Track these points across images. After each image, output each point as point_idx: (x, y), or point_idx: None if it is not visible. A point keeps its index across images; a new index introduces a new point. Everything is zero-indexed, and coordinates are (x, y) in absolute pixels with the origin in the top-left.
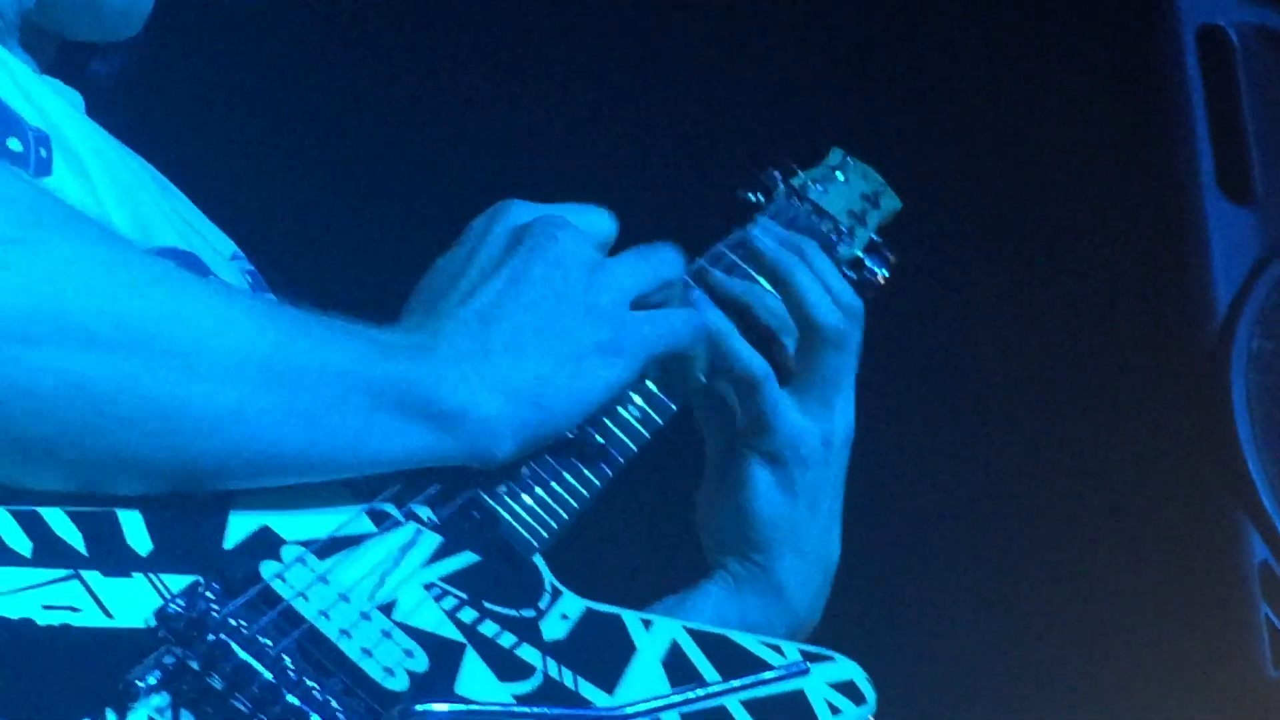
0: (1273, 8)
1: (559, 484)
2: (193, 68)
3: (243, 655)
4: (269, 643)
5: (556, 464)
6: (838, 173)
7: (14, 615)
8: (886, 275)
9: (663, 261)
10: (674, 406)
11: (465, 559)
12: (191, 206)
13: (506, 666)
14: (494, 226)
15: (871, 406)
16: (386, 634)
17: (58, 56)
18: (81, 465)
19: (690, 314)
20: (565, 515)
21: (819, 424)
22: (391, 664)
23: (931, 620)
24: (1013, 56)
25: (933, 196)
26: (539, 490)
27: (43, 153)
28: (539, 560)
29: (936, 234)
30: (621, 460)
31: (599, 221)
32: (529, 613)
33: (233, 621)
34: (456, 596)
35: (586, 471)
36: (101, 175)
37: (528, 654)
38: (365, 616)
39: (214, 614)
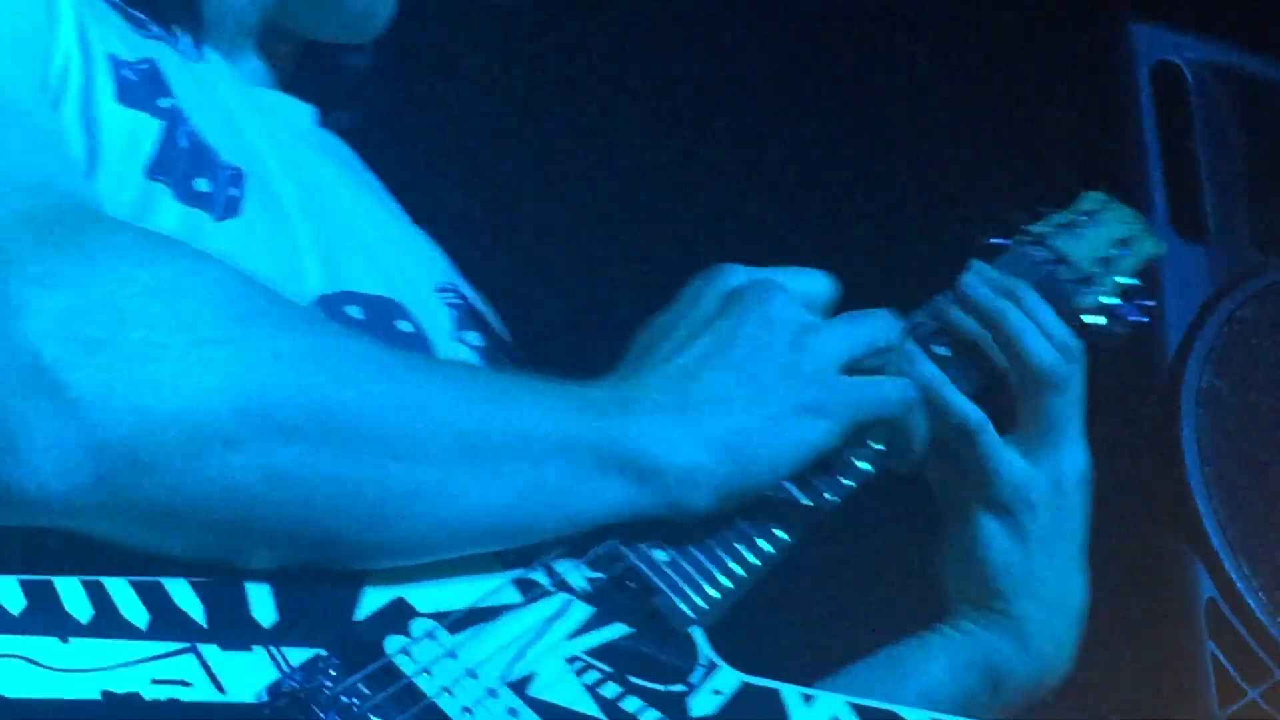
0: (1227, 45)
1: (728, 552)
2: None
3: None
4: None
5: (734, 530)
6: (1088, 217)
7: (121, 690)
8: (1141, 320)
9: (876, 327)
10: (864, 472)
11: (615, 630)
12: (406, 229)
13: None
14: (708, 288)
15: None
16: (513, 712)
17: (299, 61)
18: (296, 546)
19: (901, 383)
20: (732, 585)
21: (1045, 468)
22: None
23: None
24: (968, 93)
25: (886, 228)
26: (703, 558)
27: (233, 192)
28: (697, 633)
29: (887, 262)
30: (803, 529)
31: (815, 285)
32: (679, 688)
33: (345, 699)
34: (601, 670)
35: (761, 539)
36: (298, 214)
37: None
38: (492, 693)
39: (326, 690)
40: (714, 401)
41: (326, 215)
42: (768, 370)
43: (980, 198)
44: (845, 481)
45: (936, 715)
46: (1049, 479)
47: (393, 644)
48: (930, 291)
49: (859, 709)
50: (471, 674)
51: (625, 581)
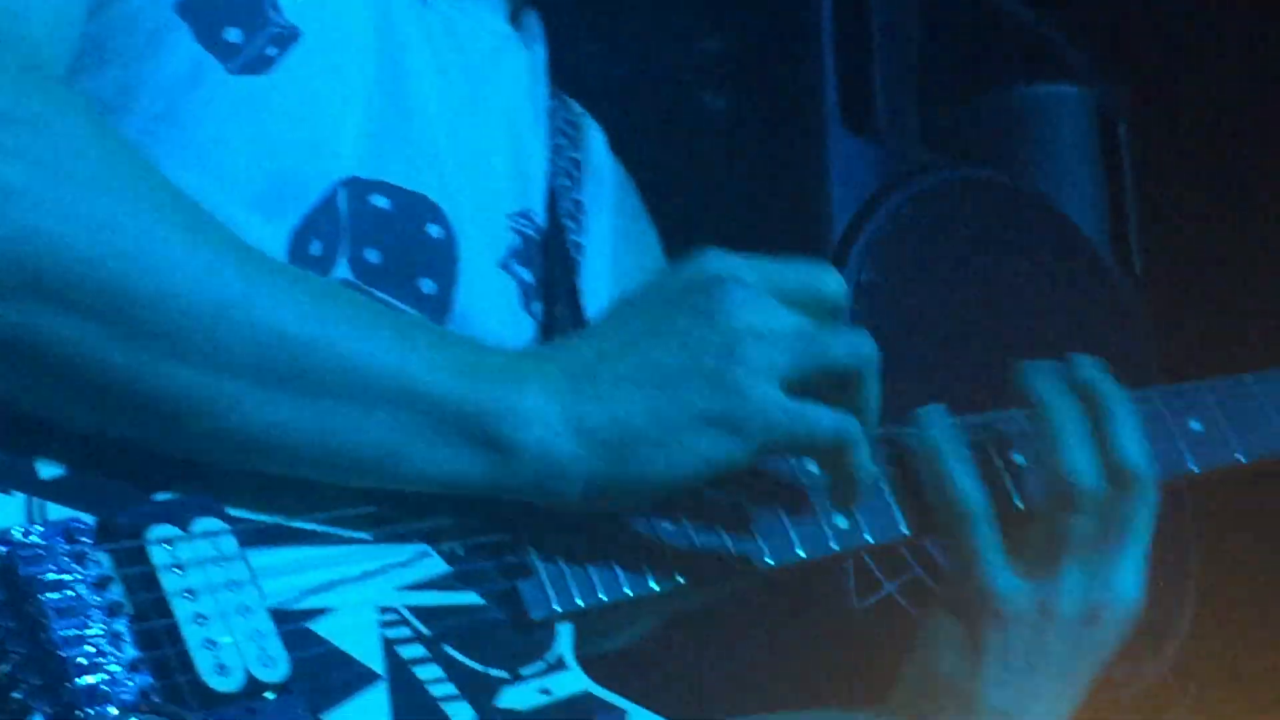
0: None
1: (649, 563)
2: None
3: (42, 599)
4: (86, 596)
5: (656, 535)
6: None
7: None
8: None
9: (839, 347)
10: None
11: (462, 597)
12: (505, 150)
13: (417, 714)
14: (680, 270)
15: None
16: (259, 634)
17: None
18: (65, 417)
19: (843, 420)
20: (629, 592)
21: (1036, 587)
22: (233, 664)
23: None
24: None
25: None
26: (614, 561)
27: (270, 51)
28: (564, 628)
29: None
30: (757, 562)
31: (810, 281)
32: (500, 674)
33: (57, 564)
34: (415, 630)
35: (691, 570)
36: (361, 94)
37: (458, 711)
38: (245, 610)
39: (37, 553)
40: (614, 398)
41: (400, 105)
42: (686, 372)
43: None
44: (798, 552)
45: None
46: (1035, 601)
47: (158, 531)
48: None
49: None
50: (232, 586)
51: (505, 554)
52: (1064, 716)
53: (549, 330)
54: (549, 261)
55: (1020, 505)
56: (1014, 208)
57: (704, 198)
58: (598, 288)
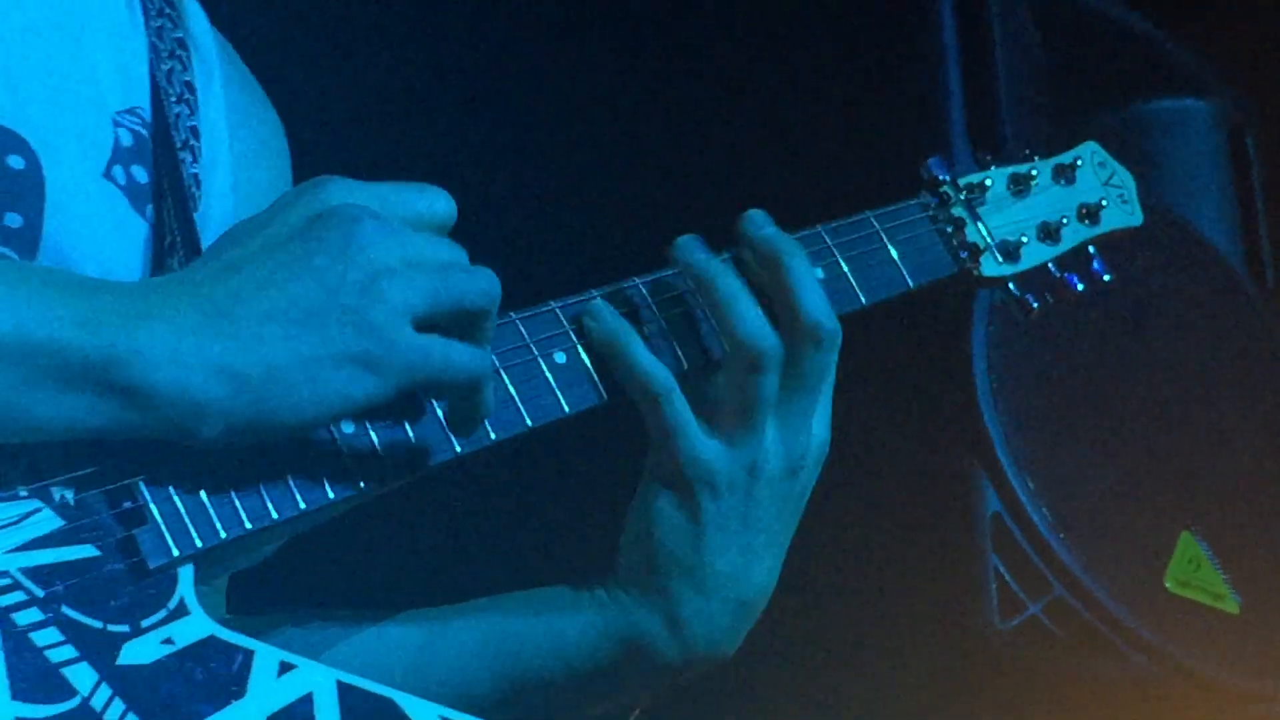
0: None
1: (270, 494)
2: None
3: None
4: None
5: (273, 467)
6: (1048, 178)
7: None
8: (1079, 290)
9: (468, 285)
10: (457, 450)
11: (76, 551)
12: (95, 51)
13: (35, 683)
14: (299, 200)
15: None
16: None
17: None
18: None
19: (478, 355)
20: (249, 526)
21: (741, 451)
22: None
23: None
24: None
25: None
26: (232, 496)
27: None
28: (184, 572)
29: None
30: (369, 486)
31: (425, 204)
32: (120, 628)
33: None
34: (28, 593)
35: (305, 489)
36: None
37: (78, 675)
38: None
39: None
40: (250, 335)
41: None
42: (325, 310)
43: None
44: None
45: (450, 714)
46: (743, 464)
47: None
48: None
49: (346, 689)
50: None
51: (122, 501)
52: (779, 565)
53: (160, 230)
54: (161, 155)
55: (711, 361)
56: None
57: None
58: (215, 177)
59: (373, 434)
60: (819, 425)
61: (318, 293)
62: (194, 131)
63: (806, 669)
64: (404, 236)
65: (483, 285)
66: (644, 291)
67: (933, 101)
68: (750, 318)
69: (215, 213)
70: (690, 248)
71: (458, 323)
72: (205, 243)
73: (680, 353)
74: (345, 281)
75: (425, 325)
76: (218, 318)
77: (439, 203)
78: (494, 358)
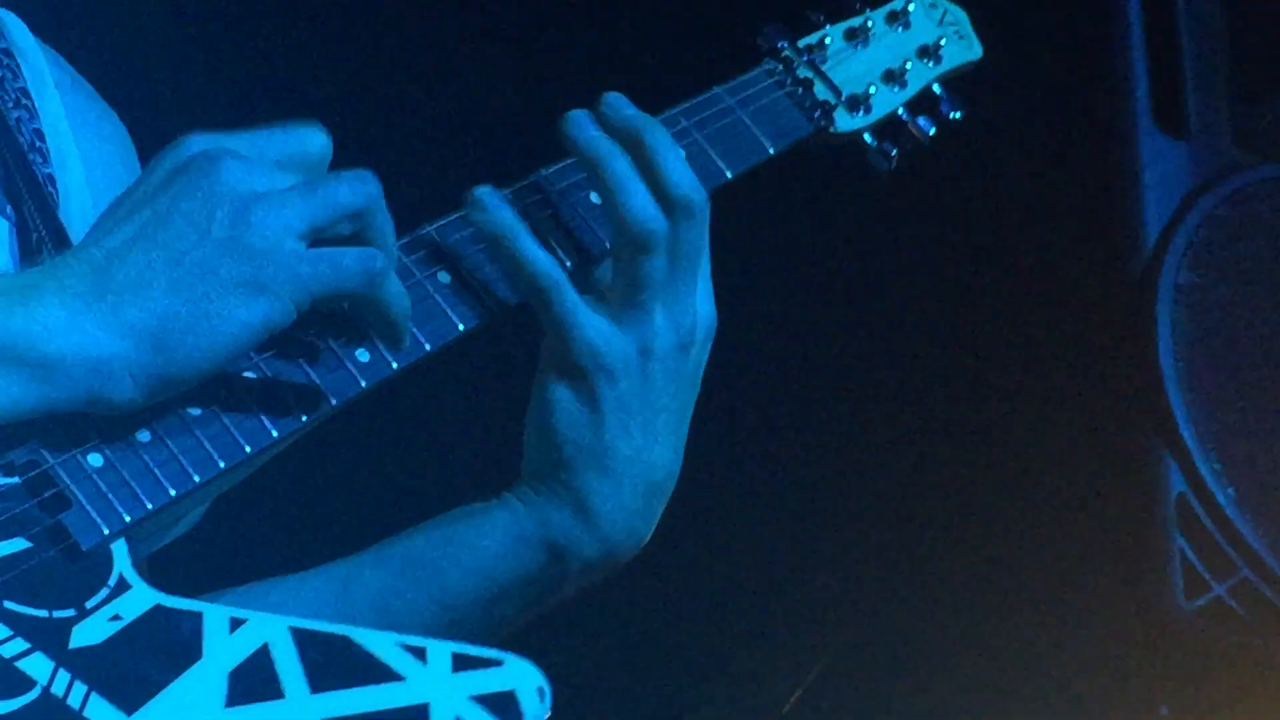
0: None
1: (187, 455)
2: None
3: None
4: None
5: (199, 432)
6: (883, 25)
7: None
8: (931, 134)
9: (341, 191)
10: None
11: (7, 547)
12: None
13: None
14: (160, 161)
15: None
16: None
17: None
18: None
19: (362, 253)
20: (173, 492)
21: (632, 334)
22: None
23: (858, 544)
24: None
25: None
26: (149, 462)
27: None
28: (118, 548)
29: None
30: (280, 431)
31: (296, 143)
32: (66, 613)
33: None
34: None
35: (226, 436)
36: None
37: (34, 666)
38: None
39: None
40: (136, 286)
41: None
42: (202, 248)
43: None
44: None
45: (410, 640)
46: (635, 346)
47: None
48: None
49: (300, 634)
50: None
51: (40, 489)
52: (682, 444)
53: (25, 228)
54: (10, 157)
55: (592, 257)
56: None
57: (1011, 201)
58: (68, 175)
59: (278, 376)
60: (702, 301)
61: (190, 234)
62: (39, 134)
63: (992, 647)
64: (265, 167)
65: (355, 185)
66: (510, 196)
67: (1117, 82)
68: (643, 197)
69: (75, 208)
70: (583, 123)
71: (349, 229)
72: (74, 238)
73: (560, 253)
74: (214, 219)
75: (316, 243)
76: (102, 278)
77: (311, 139)
78: (400, 256)
